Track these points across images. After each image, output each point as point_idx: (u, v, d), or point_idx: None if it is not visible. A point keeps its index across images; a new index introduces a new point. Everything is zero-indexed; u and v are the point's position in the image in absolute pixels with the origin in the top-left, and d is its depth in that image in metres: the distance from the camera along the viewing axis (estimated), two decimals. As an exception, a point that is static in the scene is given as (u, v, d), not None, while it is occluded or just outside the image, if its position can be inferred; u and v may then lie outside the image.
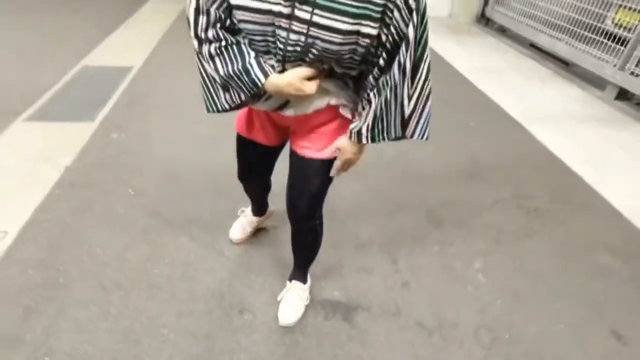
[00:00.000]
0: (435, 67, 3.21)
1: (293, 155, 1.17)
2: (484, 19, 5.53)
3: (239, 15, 0.84)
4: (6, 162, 2.11)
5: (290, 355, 1.32)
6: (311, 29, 0.81)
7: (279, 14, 0.81)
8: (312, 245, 1.41)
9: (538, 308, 1.57)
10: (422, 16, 0.84)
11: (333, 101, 1.01)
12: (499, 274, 1.70)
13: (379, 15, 0.80)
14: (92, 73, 3.19)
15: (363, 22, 0.80)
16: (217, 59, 0.90)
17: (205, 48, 0.89)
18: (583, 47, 3.77)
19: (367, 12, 0.79)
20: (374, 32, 0.82)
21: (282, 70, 0.90)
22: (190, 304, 1.46)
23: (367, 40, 0.83)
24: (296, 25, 0.81)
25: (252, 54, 0.89)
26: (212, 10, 0.84)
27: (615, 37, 3.43)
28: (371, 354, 1.35)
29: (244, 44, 0.89)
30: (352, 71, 0.95)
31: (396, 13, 0.80)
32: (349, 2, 0.77)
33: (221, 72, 0.91)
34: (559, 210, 2.10)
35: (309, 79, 0.90)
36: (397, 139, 1.03)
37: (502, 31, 5.23)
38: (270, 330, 1.40)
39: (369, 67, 0.91)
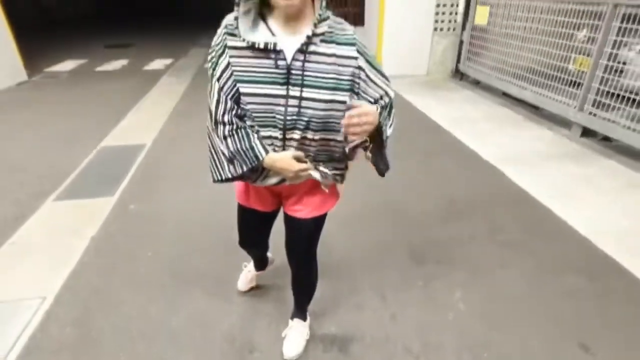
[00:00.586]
0: (415, 121, 3.75)
1: (288, 217, 1.45)
2: (459, 74, 6.10)
3: (247, 99, 1.14)
4: (40, 237, 2.41)
5: (295, 385, 1.52)
6: (302, 102, 1.12)
7: (277, 96, 1.12)
8: (310, 285, 1.67)
9: (513, 328, 1.76)
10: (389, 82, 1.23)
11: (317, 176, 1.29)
12: (477, 301, 1.91)
13: (348, 87, 1.14)
14: (110, 153, 3.59)
15: (337, 92, 1.13)
16: (229, 139, 1.20)
17: (220, 129, 1.20)
18: (547, 93, 4.20)
19: (338, 85, 1.13)
20: (345, 99, 1.14)
21: (283, 137, 1.18)
22: (206, 347, 1.68)
23: (341, 106, 1.14)
24: (291, 101, 1.12)
25: (256, 135, 1.20)
26: (228, 100, 1.16)
27: (575, 83, 3.84)
28: (366, 379, 1.54)
29: (249, 127, 1.20)
30: (337, 135, 1.21)
31: (362, 84, 1.15)
32: (325, 80, 1.12)
33: (231, 149, 1.21)
34: (530, 240, 2.34)
35: (300, 160, 1.21)
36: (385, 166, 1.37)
37: (477, 83, 5.75)
38: (276, 365, 1.60)
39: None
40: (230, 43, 1.11)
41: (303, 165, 1.21)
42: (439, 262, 2.17)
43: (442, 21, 6.16)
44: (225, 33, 1.12)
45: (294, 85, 1.11)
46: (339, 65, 1.12)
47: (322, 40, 1.10)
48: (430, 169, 3.24)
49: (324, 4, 1.10)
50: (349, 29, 1.15)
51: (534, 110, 4.55)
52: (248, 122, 1.20)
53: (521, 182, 2.98)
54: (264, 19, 1.13)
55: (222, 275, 2.07)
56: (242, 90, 1.13)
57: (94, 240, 2.37)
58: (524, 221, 2.52)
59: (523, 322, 1.80)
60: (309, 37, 1.08)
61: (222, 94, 1.15)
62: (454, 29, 6.15)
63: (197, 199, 2.80)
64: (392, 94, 1.24)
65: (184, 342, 1.71)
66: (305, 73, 1.10)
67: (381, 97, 1.20)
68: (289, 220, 1.46)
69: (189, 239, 2.38)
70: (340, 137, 1.20)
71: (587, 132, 3.76)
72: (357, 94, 1.16)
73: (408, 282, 2.03)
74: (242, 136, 1.19)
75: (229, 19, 1.13)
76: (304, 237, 1.47)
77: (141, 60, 7.61)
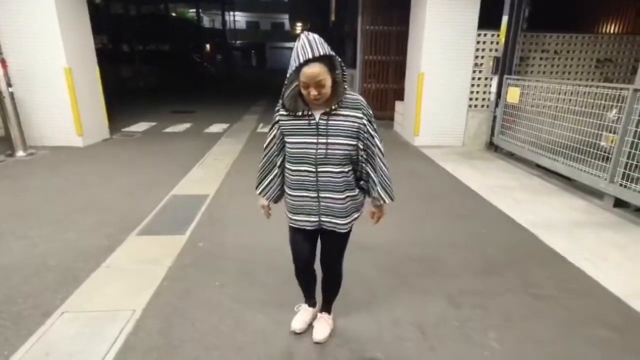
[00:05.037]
0: (450, 186, 4.27)
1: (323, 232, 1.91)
2: (493, 146, 6.47)
3: (290, 146, 1.73)
4: (127, 263, 2.85)
5: (346, 396, 1.76)
6: (328, 145, 1.66)
7: (309, 143, 1.68)
8: (337, 286, 2.11)
9: (545, 368, 1.93)
10: (379, 134, 1.76)
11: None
12: (510, 342, 2.10)
13: (356, 135, 1.69)
14: (180, 200, 4.14)
15: (349, 139, 1.68)
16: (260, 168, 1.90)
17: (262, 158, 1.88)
18: (578, 165, 4.46)
19: (350, 133, 1.68)
20: (355, 142, 1.70)
21: (316, 170, 1.69)
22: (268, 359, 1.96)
23: (353, 147, 1.70)
24: (320, 146, 1.67)
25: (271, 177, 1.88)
26: (276, 142, 1.81)
27: (606, 157, 4.09)
28: (408, 397, 1.75)
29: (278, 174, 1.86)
30: (350, 166, 1.74)
31: (364, 134, 1.70)
32: (343, 131, 1.66)
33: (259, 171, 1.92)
34: (562, 295, 2.51)
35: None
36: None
37: (511, 155, 6.08)
38: (329, 379, 1.85)
39: (356, 162, 1.76)
40: (281, 112, 1.73)
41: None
42: (474, 308, 2.38)
43: (477, 99, 6.72)
44: (279, 109, 1.74)
45: (321, 135, 1.65)
46: (351, 122, 1.67)
47: (339, 107, 1.65)
48: (467, 229, 3.50)
49: (345, 90, 1.64)
50: (358, 98, 1.69)
51: (567, 181, 4.77)
52: (287, 164, 1.78)
53: (554, 245, 3.18)
54: (301, 95, 1.64)
55: (280, 303, 2.38)
56: (287, 140, 1.74)
57: (171, 269, 2.78)
58: (556, 278, 2.70)
59: (554, 363, 1.96)
60: (330, 108, 1.64)
61: (274, 140, 1.81)
62: (487, 106, 6.67)
63: (255, 239, 3.20)
64: (380, 144, 1.74)
65: (250, 354, 2.00)
66: (329, 127, 1.65)
67: (372, 144, 1.73)
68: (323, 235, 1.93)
69: (250, 273, 2.74)
70: (343, 169, 1.72)
71: (620, 203, 3.93)
72: (361, 140, 1.71)
73: (445, 322, 2.25)
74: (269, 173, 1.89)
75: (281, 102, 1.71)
76: (334, 245, 1.93)
77: (202, 124, 8.59)
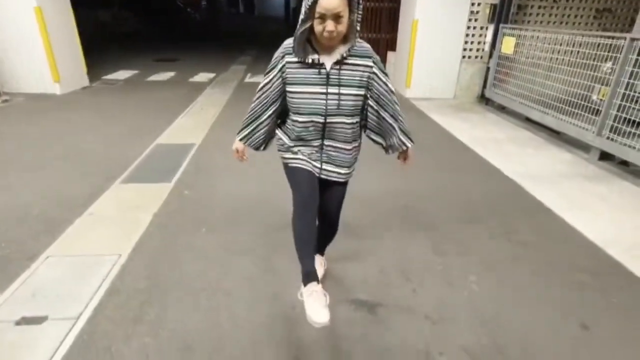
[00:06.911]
0: (441, 139, 4.22)
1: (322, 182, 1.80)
2: (484, 99, 6.39)
3: (295, 96, 1.57)
4: (111, 210, 2.82)
5: (332, 333, 1.81)
6: (341, 96, 1.56)
7: (319, 93, 1.55)
8: (334, 234, 2.05)
9: (520, 308, 2.01)
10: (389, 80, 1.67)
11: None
12: (490, 285, 2.17)
13: (366, 85, 1.61)
14: (165, 149, 4.05)
15: (360, 88, 1.59)
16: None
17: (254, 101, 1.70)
18: (567, 118, 4.44)
19: (360, 83, 1.58)
20: (363, 92, 1.61)
21: (324, 121, 1.60)
22: (256, 303, 2.00)
23: (362, 97, 1.62)
24: (331, 96, 1.56)
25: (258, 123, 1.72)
26: (273, 89, 1.63)
27: (596, 110, 4.07)
28: (390, 334, 1.82)
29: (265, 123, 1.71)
30: (359, 116, 1.68)
31: (374, 83, 1.61)
32: (354, 81, 1.57)
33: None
34: (542, 242, 2.58)
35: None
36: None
37: (502, 108, 6.02)
38: (314, 319, 1.90)
39: (363, 113, 1.71)
40: (287, 59, 1.56)
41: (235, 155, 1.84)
42: (457, 254, 2.44)
43: (470, 49, 6.53)
44: (284, 53, 1.57)
45: (332, 85, 1.54)
46: (361, 71, 1.57)
47: (349, 55, 1.53)
48: (455, 181, 3.52)
49: (357, 37, 1.51)
50: (365, 45, 1.59)
51: (555, 134, 4.78)
52: (292, 116, 1.64)
53: (538, 195, 3.22)
54: (310, 42, 1.52)
55: (265, 251, 2.41)
56: (290, 89, 1.58)
57: (156, 216, 2.76)
58: (538, 227, 2.76)
59: (530, 304, 2.04)
60: (342, 56, 1.51)
61: (270, 84, 1.64)
62: (481, 57, 6.50)
63: (241, 188, 3.18)
64: (393, 89, 1.66)
65: (237, 298, 2.03)
66: (342, 77, 1.55)
67: (386, 90, 1.64)
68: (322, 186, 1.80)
69: (236, 221, 2.73)
70: (353, 120, 1.66)
71: (605, 156, 3.96)
72: (369, 89, 1.62)
73: (429, 268, 2.31)
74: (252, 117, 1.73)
75: (288, 42, 1.56)
76: (334, 197, 1.86)
77: (187, 73, 8.25)
